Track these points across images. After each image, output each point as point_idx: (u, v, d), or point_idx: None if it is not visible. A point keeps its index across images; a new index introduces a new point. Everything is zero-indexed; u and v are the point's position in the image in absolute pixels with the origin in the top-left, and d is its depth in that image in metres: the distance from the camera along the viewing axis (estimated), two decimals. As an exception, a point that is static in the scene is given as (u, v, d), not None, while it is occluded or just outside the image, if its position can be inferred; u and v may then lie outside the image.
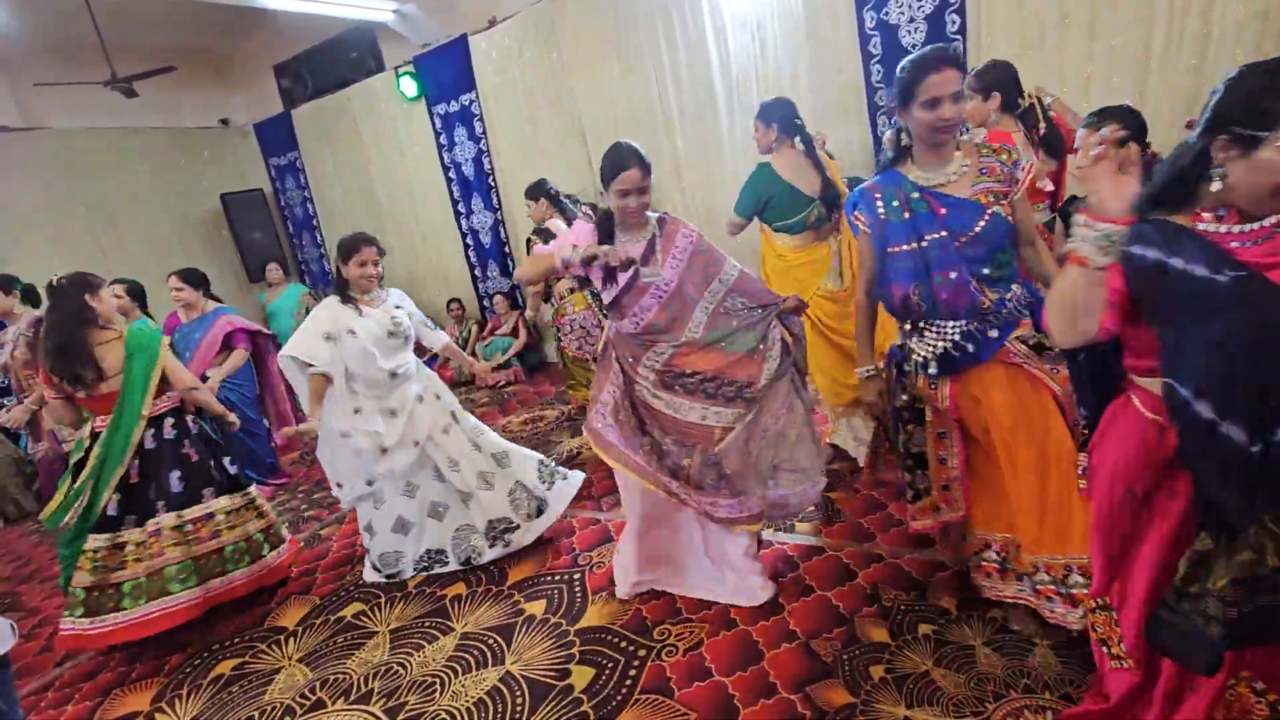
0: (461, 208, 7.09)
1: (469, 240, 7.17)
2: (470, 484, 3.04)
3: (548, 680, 2.28)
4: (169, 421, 2.94)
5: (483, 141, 6.68)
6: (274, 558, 3.11)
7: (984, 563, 2.05)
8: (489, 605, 2.80)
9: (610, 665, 2.30)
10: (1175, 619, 1.23)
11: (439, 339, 3.24)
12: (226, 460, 3.11)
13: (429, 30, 6.53)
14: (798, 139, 3.10)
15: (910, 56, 1.81)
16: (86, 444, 2.82)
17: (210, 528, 2.94)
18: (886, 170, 1.95)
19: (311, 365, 2.82)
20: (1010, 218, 1.85)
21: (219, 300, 4.51)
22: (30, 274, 6.10)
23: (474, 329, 6.98)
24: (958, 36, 4.46)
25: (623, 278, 2.28)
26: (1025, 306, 1.89)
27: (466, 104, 6.62)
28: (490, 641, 2.56)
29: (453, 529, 3.10)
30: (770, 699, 2.02)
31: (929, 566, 2.46)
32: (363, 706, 2.33)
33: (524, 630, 2.58)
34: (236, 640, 2.90)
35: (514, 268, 6.99)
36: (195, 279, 4.21)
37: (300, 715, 2.36)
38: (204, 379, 3.83)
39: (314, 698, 2.44)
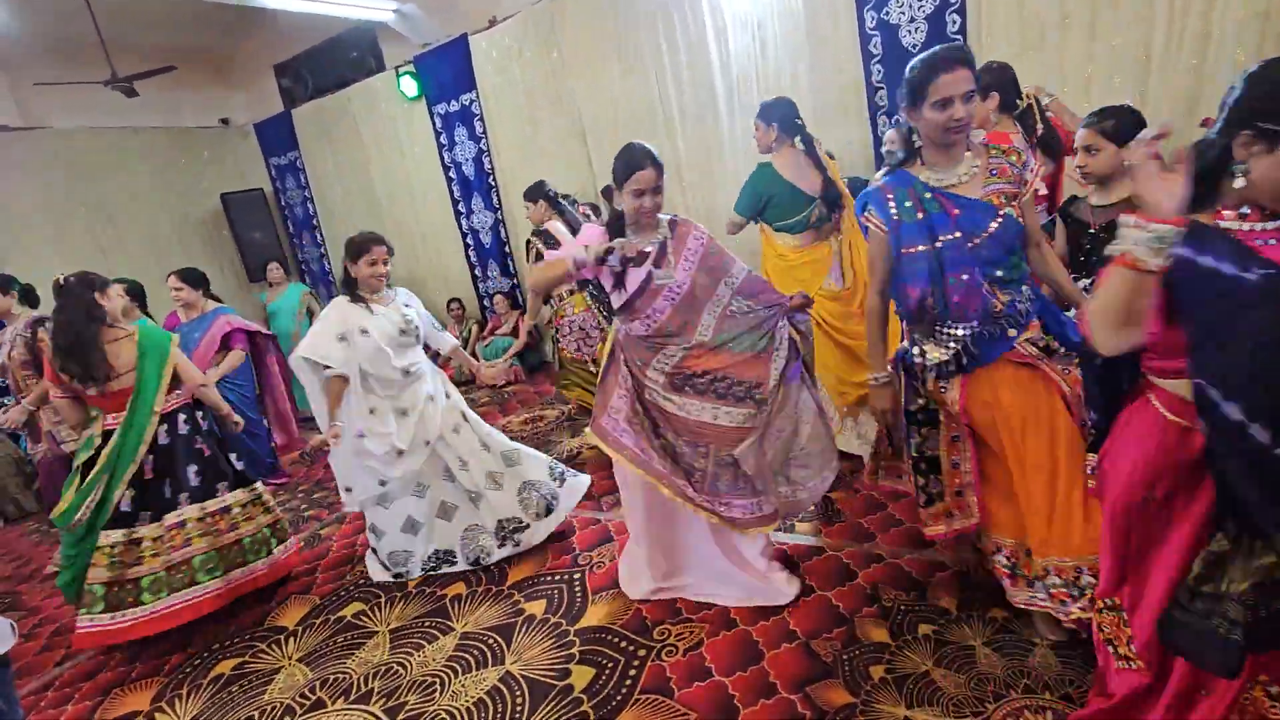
0: (462, 207, 7.09)
1: (469, 240, 7.17)
2: (479, 484, 3.04)
3: (548, 680, 2.28)
4: (182, 417, 2.97)
5: (483, 141, 6.68)
6: (281, 553, 3.15)
7: (997, 566, 2.03)
8: (489, 605, 2.80)
9: (610, 665, 2.29)
10: (1188, 618, 1.23)
11: (447, 341, 3.24)
12: (233, 456, 3.15)
13: (429, 30, 6.53)
14: (798, 139, 3.10)
15: (920, 56, 1.79)
16: (97, 442, 2.82)
17: (228, 520, 2.99)
18: (896, 171, 1.93)
19: (327, 367, 2.81)
20: (1021, 219, 1.84)
21: (219, 300, 4.52)
22: (30, 273, 6.10)
23: (474, 329, 6.98)
24: (958, 36, 4.46)
25: (634, 280, 2.25)
26: (1034, 308, 1.88)
27: (467, 104, 6.62)
28: (490, 641, 2.56)
29: (461, 529, 3.09)
30: (770, 699, 2.02)
31: (929, 566, 2.46)
32: (363, 706, 2.33)
33: (524, 630, 2.58)
34: (236, 640, 2.90)
35: (514, 268, 6.99)
36: (194, 279, 4.22)
37: (300, 715, 2.36)
38: None
39: (314, 697, 2.44)
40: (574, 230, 3.97)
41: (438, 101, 6.77)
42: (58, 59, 6.25)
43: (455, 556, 3.10)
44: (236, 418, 3.18)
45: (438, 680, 2.39)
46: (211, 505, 2.96)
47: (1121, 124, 2.24)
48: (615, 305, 2.35)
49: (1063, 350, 1.86)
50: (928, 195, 1.84)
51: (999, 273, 1.82)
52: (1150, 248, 1.16)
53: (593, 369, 3.97)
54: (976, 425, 1.93)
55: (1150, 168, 1.18)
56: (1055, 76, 4.19)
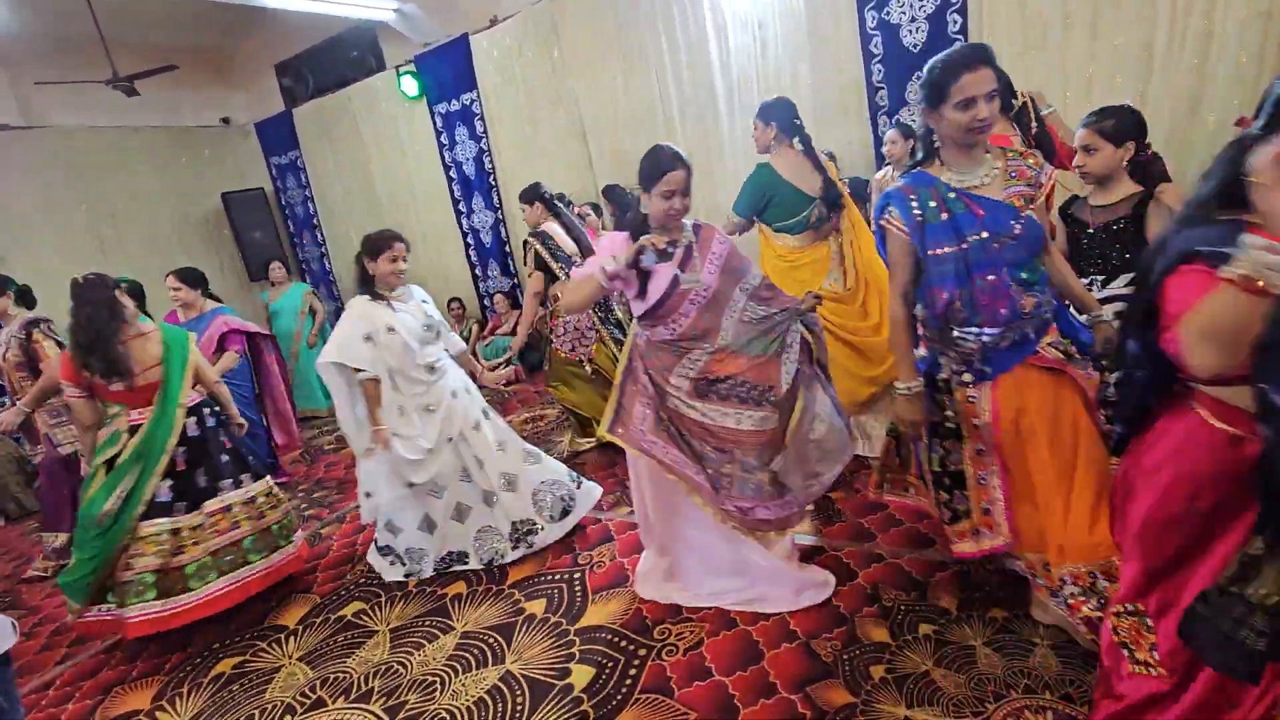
0: (462, 207, 7.09)
1: (469, 239, 7.18)
2: (493, 484, 3.05)
3: (548, 679, 2.28)
4: (207, 410, 3.03)
5: (483, 141, 6.68)
6: (296, 544, 3.19)
7: (1035, 586, 1.99)
8: (489, 604, 2.80)
9: (610, 665, 2.29)
10: (1211, 613, 1.21)
11: (456, 343, 3.23)
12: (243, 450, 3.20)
13: (430, 29, 6.53)
14: (797, 139, 3.10)
15: (940, 55, 1.77)
16: (125, 437, 2.83)
17: (255, 509, 3.04)
18: (915, 171, 1.89)
19: (360, 370, 2.80)
20: (1040, 222, 1.83)
21: (218, 300, 4.51)
22: (31, 272, 6.11)
23: (475, 328, 6.98)
24: (959, 36, 4.46)
25: (660, 285, 2.23)
26: (1053, 311, 1.87)
27: (467, 103, 6.62)
28: (490, 641, 2.56)
29: (474, 530, 3.09)
30: (770, 699, 2.02)
31: (929, 566, 2.46)
32: (363, 705, 2.33)
33: (524, 629, 2.58)
34: (237, 639, 2.90)
35: (514, 267, 6.99)
36: (193, 278, 4.22)
37: (300, 714, 2.36)
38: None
39: (314, 696, 2.44)
40: (570, 231, 3.97)
41: (438, 101, 6.77)
42: (59, 58, 6.25)
43: (468, 557, 3.10)
44: (241, 419, 3.22)
45: (438, 679, 2.39)
46: (239, 495, 3.03)
47: (1120, 124, 2.24)
48: (638, 312, 2.32)
49: (1079, 354, 1.85)
50: (951, 195, 1.81)
51: (1023, 274, 1.80)
52: None
53: (586, 368, 3.97)
54: (1003, 434, 1.88)
55: None
56: (1057, 76, 4.19)
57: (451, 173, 7.01)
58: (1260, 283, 1.05)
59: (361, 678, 2.49)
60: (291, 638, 2.84)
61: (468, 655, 2.49)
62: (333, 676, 2.53)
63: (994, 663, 1.97)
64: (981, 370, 1.86)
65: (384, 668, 2.52)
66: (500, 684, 2.31)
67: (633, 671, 2.24)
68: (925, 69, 1.79)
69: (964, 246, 1.78)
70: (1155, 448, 1.41)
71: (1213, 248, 1.16)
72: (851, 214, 3.17)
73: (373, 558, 3.22)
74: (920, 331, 2.01)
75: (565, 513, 3.15)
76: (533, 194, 4.02)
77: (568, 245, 3.93)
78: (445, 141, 6.91)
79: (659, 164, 2.19)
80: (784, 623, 2.32)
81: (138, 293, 3.73)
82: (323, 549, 3.64)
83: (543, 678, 2.30)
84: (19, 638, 1.74)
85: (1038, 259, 1.85)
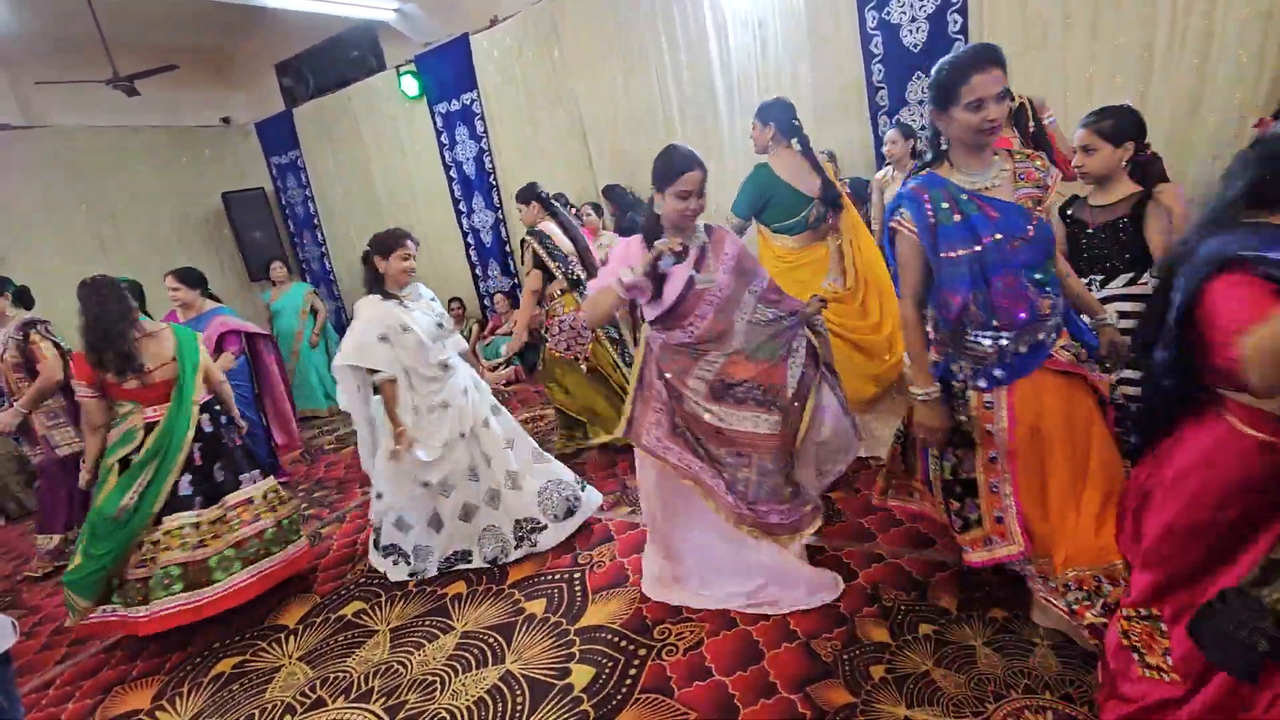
0: (462, 207, 7.09)
1: (470, 239, 7.18)
2: (499, 481, 3.06)
3: (548, 679, 2.28)
4: (217, 407, 3.08)
5: (484, 140, 6.68)
6: (301, 543, 3.21)
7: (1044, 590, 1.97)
8: (489, 604, 2.80)
9: (610, 664, 2.29)
10: (1222, 612, 1.21)
11: (458, 343, 3.24)
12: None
13: (430, 29, 6.53)
14: (795, 140, 3.09)
15: (949, 56, 1.75)
16: (140, 435, 2.84)
17: (269, 503, 3.10)
18: (926, 173, 1.86)
19: (377, 371, 2.80)
20: (1049, 224, 1.83)
21: (217, 299, 4.50)
22: (31, 272, 6.12)
23: (475, 328, 6.98)
24: (960, 36, 4.46)
25: (675, 286, 2.22)
26: (1063, 315, 1.87)
27: (468, 103, 6.62)
28: (490, 640, 2.56)
29: (480, 529, 3.09)
30: (770, 699, 2.02)
31: (929, 566, 2.46)
32: (363, 705, 2.33)
33: (524, 629, 2.58)
34: (237, 639, 2.90)
35: (514, 267, 6.99)
36: (192, 278, 4.21)
37: (300, 713, 2.36)
38: None
39: (314, 696, 2.44)
40: (567, 231, 3.97)
41: (438, 101, 6.77)
42: (59, 57, 6.25)
43: (471, 556, 3.10)
44: (242, 422, 3.25)
45: (438, 679, 2.39)
46: (263, 486, 3.09)
47: (1119, 124, 2.24)
48: (652, 315, 2.30)
49: (1088, 357, 1.86)
50: (964, 198, 1.80)
51: (1037, 276, 1.79)
52: None
53: (581, 367, 3.97)
54: (1019, 440, 1.85)
55: None
56: (1057, 76, 4.19)
57: (452, 172, 7.02)
58: None
59: (361, 677, 2.49)
60: (291, 637, 2.84)
61: (468, 655, 2.49)
62: (333, 676, 2.53)
63: (994, 663, 1.97)
64: (996, 375, 1.83)
65: (384, 667, 2.52)
66: (500, 684, 2.31)
67: (633, 671, 2.24)
68: (934, 70, 1.77)
69: (978, 249, 1.76)
70: (1179, 456, 1.38)
71: (1256, 254, 1.13)
72: (850, 214, 3.16)
73: (375, 559, 3.22)
74: (931, 337, 1.98)
75: (570, 513, 3.16)
76: (529, 193, 4.02)
77: (564, 245, 3.93)
78: (445, 141, 6.91)
79: (674, 164, 2.17)
80: (784, 623, 2.32)
81: (138, 293, 3.73)
82: (323, 548, 3.64)
83: (543, 677, 2.30)
84: (19, 637, 1.74)
85: (1050, 261, 1.83)
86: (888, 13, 4.63)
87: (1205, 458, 1.33)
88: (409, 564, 3.11)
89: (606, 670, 2.27)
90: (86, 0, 5.02)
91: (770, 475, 2.26)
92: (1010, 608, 2.13)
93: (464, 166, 6.92)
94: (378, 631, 2.76)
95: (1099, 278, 2.37)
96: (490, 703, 2.23)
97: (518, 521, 3.06)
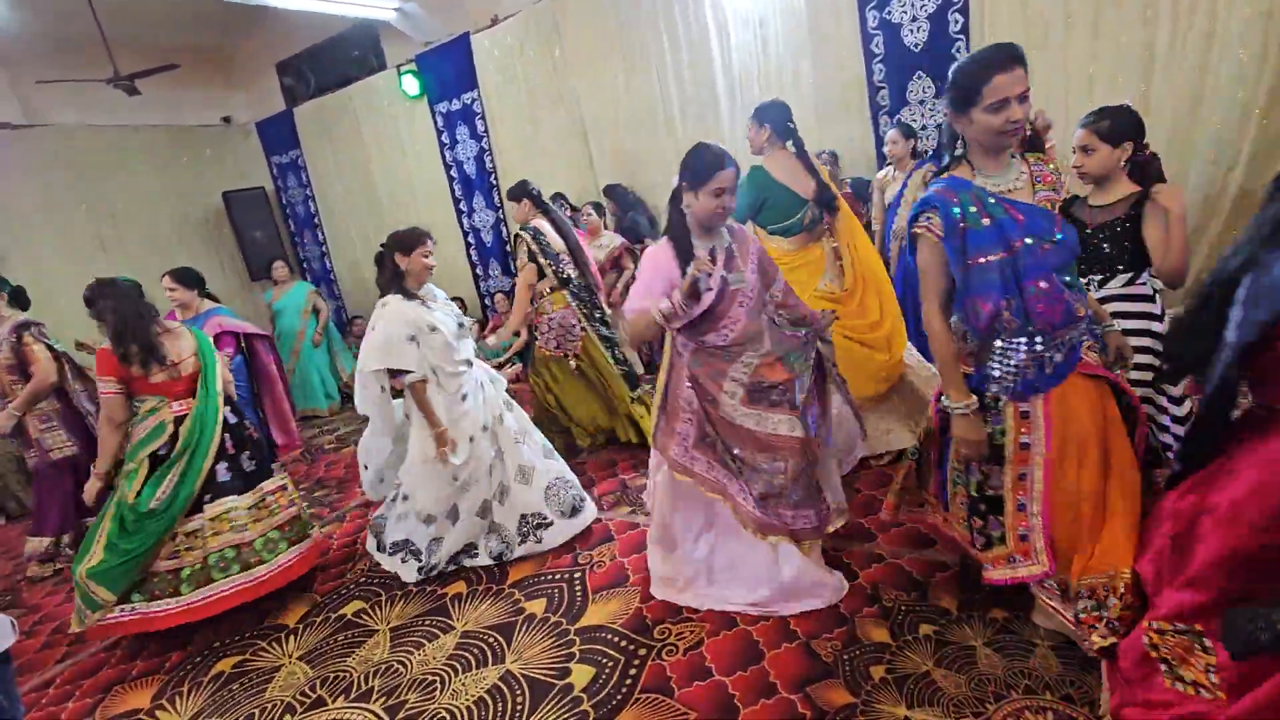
0: (463, 206, 7.09)
1: (470, 239, 7.18)
2: (509, 477, 3.06)
3: (548, 679, 2.28)
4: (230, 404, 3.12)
5: (484, 140, 6.68)
6: (315, 532, 3.26)
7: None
8: (489, 604, 2.80)
9: (610, 664, 2.29)
10: (1250, 609, 1.20)
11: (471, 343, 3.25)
12: None
13: (431, 28, 6.53)
14: (790, 142, 3.10)
15: (968, 56, 1.72)
16: (170, 429, 2.86)
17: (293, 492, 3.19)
18: (949, 176, 1.80)
19: (408, 372, 2.79)
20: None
21: (216, 299, 4.48)
22: (31, 272, 6.13)
23: (475, 328, 6.97)
24: (961, 36, 4.45)
25: (710, 293, 2.19)
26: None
27: (468, 102, 6.62)
28: (490, 640, 2.56)
29: (489, 523, 3.10)
30: (770, 699, 2.02)
31: (930, 566, 2.45)
32: (363, 704, 2.33)
33: (524, 629, 2.58)
34: (237, 638, 2.90)
35: (515, 267, 6.98)
36: (189, 279, 4.19)
37: (300, 713, 2.36)
38: None
39: (314, 695, 2.44)
40: (560, 229, 3.97)
41: (439, 100, 6.77)
42: (60, 57, 6.25)
43: (477, 550, 3.10)
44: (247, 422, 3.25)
45: (438, 679, 2.39)
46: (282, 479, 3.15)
47: (1117, 124, 2.23)
48: (680, 323, 2.24)
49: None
50: (991, 201, 1.74)
51: (1066, 279, 1.75)
52: None
53: (572, 363, 3.97)
54: (1054, 449, 1.79)
55: None
56: (1059, 76, 4.19)
57: (452, 172, 7.02)
58: None
59: (361, 677, 2.48)
60: (291, 637, 2.84)
61: (468, 655, 2.49)
62: (333, 675, 2.53)
63: (994, 663, 1.97)
64: (1034, 384, 1.77)
65: (384, 667, 2.52)
66: (500, 683, 2.31)
67: (633, 671, 2.24)
68: (952, 71, 1.73)
69: (1011, 253, 1.70)
70: (1236, 484, 1.33)
71: None
72: (846, 215, 3.17)
73: (383, 560, 3.19)
74: (961, 347, 1.90)
75: (575, 511, 3.17)
76: (521, 191, 4.01)
77: (556, 243, 3.94)
78: (446, 141, 6.91)
79: (709, 162, 2.13)
80: (784, 623, 2.32)
81: (138, 293, 3.73)
82: (324, 547, 3.63)
83: (543, 677, 2.30)
84: (19, 636, 1.74)
85: (1074, 264, 1.80)
86: (889, 12, 4.62)
87: (1264, 481, 1.28)
88: (419, 560, 3.08)
89: (606, 670, 2.27)
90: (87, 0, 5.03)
91: (803, 477, 2.26)
92: (1011, 608, 2.13)
93: (464, 166, 6.92)
94: (378, 631, 2.76)
95: (1097, 278, 2.37)
96: (490, 702, 2.23)
97: (523, 516, 3.06)
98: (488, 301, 7.23)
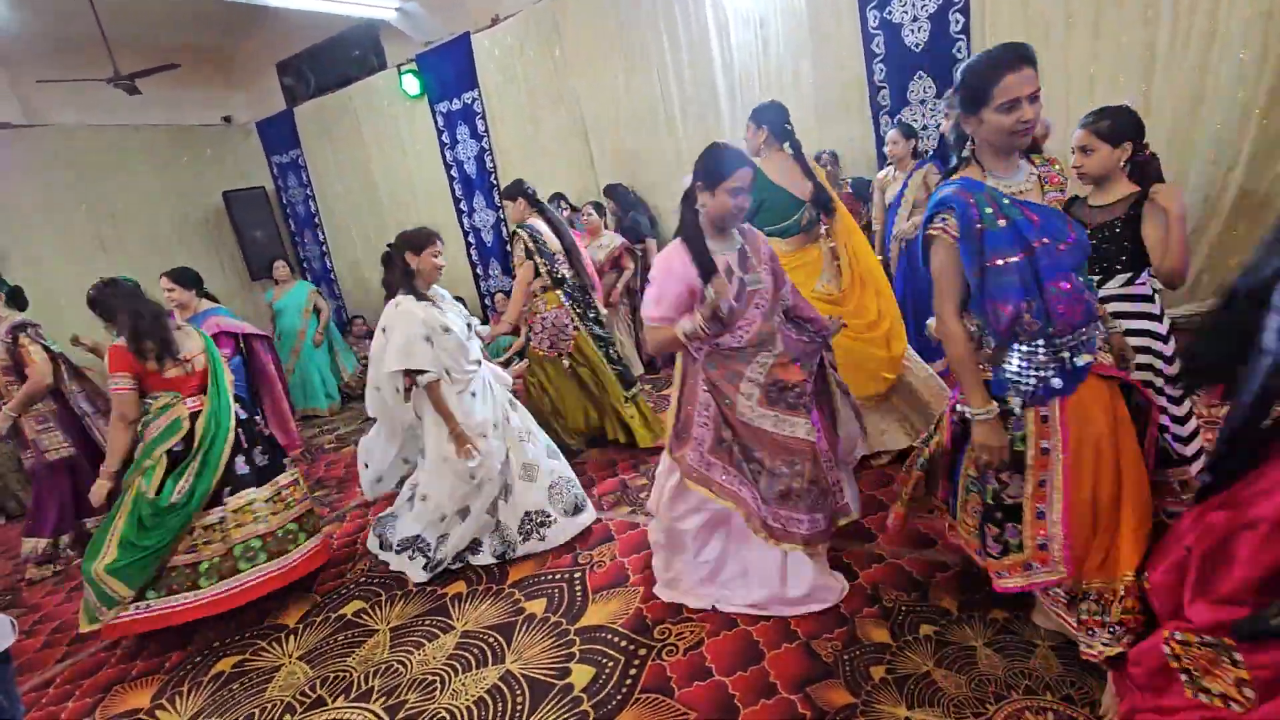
0: (463, 206, 7.09)
1: (471, 239, 7.18)
2: (513, 474, 3.08)
3: (548, 679, 2.28)
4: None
5: (485, 140, 6.68)
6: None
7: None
8: (489, 604, 2.80)
9: (610, 664, 2.29)
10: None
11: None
12: None
13: (431, 28, 6.53)
14: (787, 144, 3.10)
15: (977, 56, 1.69)
16: (186, 425, 2.88)
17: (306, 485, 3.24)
18: (962, 178, 1.76)
19: (424, 372, 2.80)
20: None
21: (214, 299, 4.46)
22: (32, 271, 6.13)
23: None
24: (961, 36, 4.45)
25: (730, 292, 2.19)
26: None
27: (469, 102, 6.62)
28: (490, 640, 2.55)
29: (496, 520, 3.11)
30: (770, 699, 2.02)
31: (930, 567, 2.45)
32: (363, 704, 2.33)
33: (524, 629, 2.58)
34: (237, 638, 2.90)
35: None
36: (187, 279, 4.16)
37: (300, 713, 2.36)
38: None
39: (314, 695, 2.44)
40: (555, 229, 3.96)
41: (440, 100, 6.77)
42: (60, 56, 6.25)
43: (482, 546, 3.11)
44: (257, 418, 3.30)
45: (438, 679, 2.39)
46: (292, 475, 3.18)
47: (1116, 124, 2.23)
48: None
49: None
50: (1005, 202, 1.71)
51: (1081, 279, 1.75)
52: None
53: (565, 363, 3.96)
54: (1072, 453, 1.76)
55: None
56: (1059, 75, 4.18)
57: (453, 171, 7.01)
58: None
59: (361, 677, 2.48)
60: (291, 636, 2.84)
61: (468, 654, 2.49)
62: (333, 675, 2.52)
63: (995, 663, 1.97)
64: (1055, 386, 1.73)
65: (384, 667, 2.52)
66: (500, 683, 2.30)
67: (633, 671, 2.24)
68: (961, 71, 1.71)
69: (1030, 255, 1.67)
70: (1272, 497, 1.30)
71: None
72: (843, 216, 3.17)
73: (390, 558, 3.17)
74: (978, 352, 1.85)
75: (578, 510, 3.18)
76: (516, 190, 4.00)
77: (552, 242, 3.94)
78: (446, 140, 6.91)
79: (728, 161, 2.12)
80: (784, 623, 2.32)
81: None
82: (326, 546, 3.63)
83: (543, 677, 2.29)
84: (18, 636, 1.74)
85: (1086, 264, 1.80)
86: (889, 12, 4.62)
87: None
88: (427, 555, 3.07)
89: (607, 670, 2.27)
90: (88, -1, 5.03)
91: (820, 481, 2.26)
92: (1011, 609, 2.13)
93: (465, 166, 6.92)
94: (378, 631, 2.76)
95: (1096, 278, 2.37)
96: (490, 702, 2.22)
97: (527, 514, 3.07)
98: (488, 301, 7.23)
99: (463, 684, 2.34)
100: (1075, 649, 1.90)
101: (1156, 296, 2.33)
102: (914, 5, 4.54)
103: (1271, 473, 1.32)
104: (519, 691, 2.25)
